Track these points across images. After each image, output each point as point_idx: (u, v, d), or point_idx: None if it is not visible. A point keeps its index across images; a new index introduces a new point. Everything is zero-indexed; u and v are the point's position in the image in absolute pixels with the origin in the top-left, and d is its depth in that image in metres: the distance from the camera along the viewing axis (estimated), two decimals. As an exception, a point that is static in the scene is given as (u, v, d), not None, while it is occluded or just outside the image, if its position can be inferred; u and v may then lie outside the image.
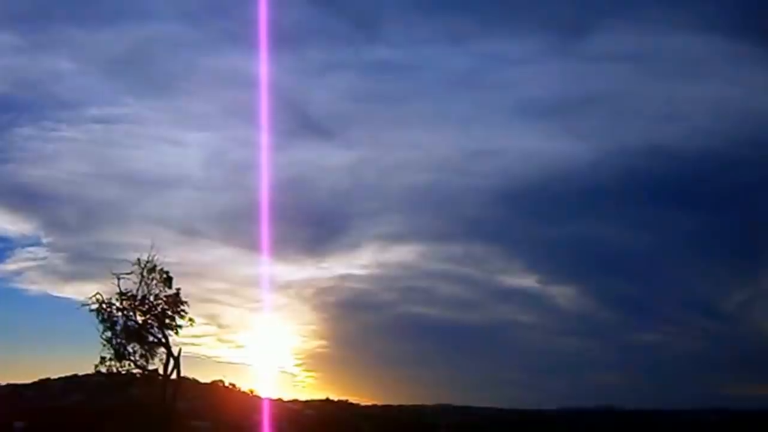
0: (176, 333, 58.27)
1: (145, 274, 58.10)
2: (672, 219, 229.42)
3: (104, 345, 57.43)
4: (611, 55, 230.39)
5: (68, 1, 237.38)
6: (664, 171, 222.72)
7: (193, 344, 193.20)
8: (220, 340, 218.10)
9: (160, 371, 58.30)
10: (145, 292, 58.18)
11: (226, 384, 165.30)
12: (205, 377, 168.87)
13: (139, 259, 57.42)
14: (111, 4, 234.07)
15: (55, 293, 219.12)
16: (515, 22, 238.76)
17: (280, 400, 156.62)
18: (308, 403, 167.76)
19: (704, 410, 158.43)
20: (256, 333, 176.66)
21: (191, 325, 59.24)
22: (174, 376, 58.87)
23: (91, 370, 59.31)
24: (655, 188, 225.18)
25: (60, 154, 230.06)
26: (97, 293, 57.06)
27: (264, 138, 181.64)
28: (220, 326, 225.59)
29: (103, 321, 57.50)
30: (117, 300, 57.60)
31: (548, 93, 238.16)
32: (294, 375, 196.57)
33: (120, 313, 57.71)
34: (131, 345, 58.02)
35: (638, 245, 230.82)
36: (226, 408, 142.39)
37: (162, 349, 58.15)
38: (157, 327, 58.15)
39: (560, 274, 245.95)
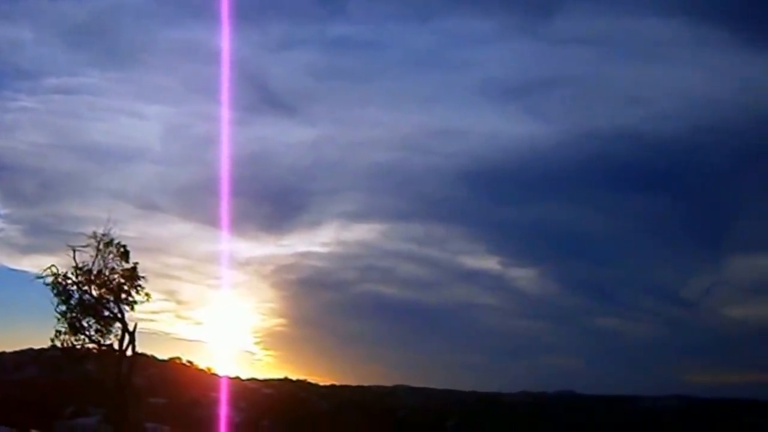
0: (132, 308, 57.37)
1: (101, 247, 57.08)
2: (635, 203, 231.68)
3: (59, 319, 56.40)
4: (577, 38, 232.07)
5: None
6: (629, 155, 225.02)
7: (151, 320, 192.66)
8: (178, 316, 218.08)
9: (116, 346, 57.22)
10: (102, 266, 57.17)
11: (184, 361, 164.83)
12: (162, 354, 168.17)
13: (95, 232, 56.38)
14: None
15: (12, 266, 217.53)
16: (481, 0, 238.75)
17: (238, 378, 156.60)
18: (266, 382, 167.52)
19: (664, 396, 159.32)
20: (215, 310, 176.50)
21: (147, 300, 58.35)
22: (129, 351, 57.67)
23: (46, 344, 58.55)
24: (620, 172, 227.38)
25: (18, 125, 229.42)
26: (52, 266, 56.05)
27: (225, 113, 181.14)
28: (178, 302, 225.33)
29: (58, 294, 56.48)
30: (73, 273, 56.55)
31: (513, 74, 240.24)
32: (252, 353, 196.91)
33: (75, 287, 56.64)
34: (86, 319, 57.00)
35: (601, 229, 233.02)
36: (183, 385, 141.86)
37: (118, 324, 57.16)
38: (112, 301, 57.15)
39: (522, 257, 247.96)
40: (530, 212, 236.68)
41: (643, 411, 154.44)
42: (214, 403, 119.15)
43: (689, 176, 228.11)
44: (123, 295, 57.19)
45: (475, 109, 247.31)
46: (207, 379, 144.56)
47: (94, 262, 56.48)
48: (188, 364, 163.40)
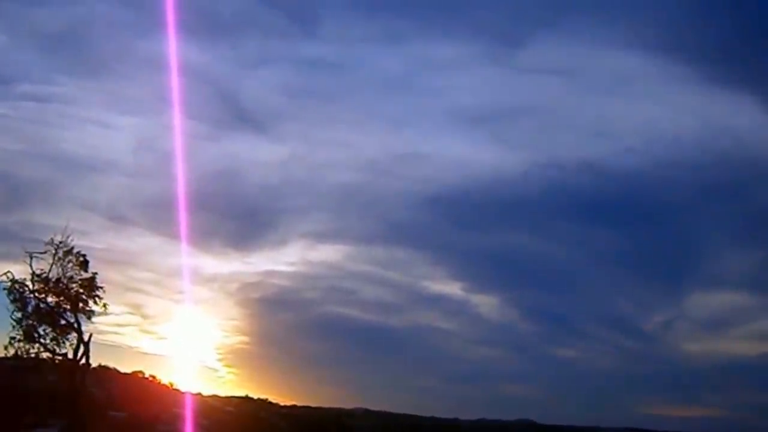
0: (89, 318, 56.77)
1: (60, 255, 56.49)
2: (597, 235, 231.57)
3: (14, 326, 55.66)
4: (544, 68, 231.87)
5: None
6: (592, 186, 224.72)
7: (116, 333, 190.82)
8: (142, 330, 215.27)
9: (71, 356, 56.48)
10: (60, 274, 56.56)
11: (146, 375, 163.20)
12: (125, 367, 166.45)
13: (52, 239, 55.78)
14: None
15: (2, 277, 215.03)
16: (451, 27, 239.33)
17: (199, 394, 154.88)
18: (228, 400, 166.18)
19: (620, 428, 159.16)
20: (179, 325, 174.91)
21: (105, 310, 57.79)
22: (84, 361, 56.94)
23: (7, 353, 57.55)
24: (582, 203, 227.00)
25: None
26: (8, 271, 55.40)
27: (202, 128, 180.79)
28: (143, 316, 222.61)
29: (14, 301, 55.77)
30: (30, 280, 55.87)
31: (480, 101, 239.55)
32: (215, 370, 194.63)
33: (32, 295, 55.92)
34: (42, 327, 56.29)
35: (563, 259, 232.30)
36: (144, 399, 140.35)
37: (74, 334, 56.47)
38: (69, 311, 56.45)
39: (485, 283, 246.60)
40: (494, 239, 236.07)
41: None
42: (176, 418, 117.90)
43: (651, 209, 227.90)
44: (80, 305, 56.51)
45: (441, 135, 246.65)
46: (169, 394, 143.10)
47: (50, 270, 55.87)
48: (150, 378, 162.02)
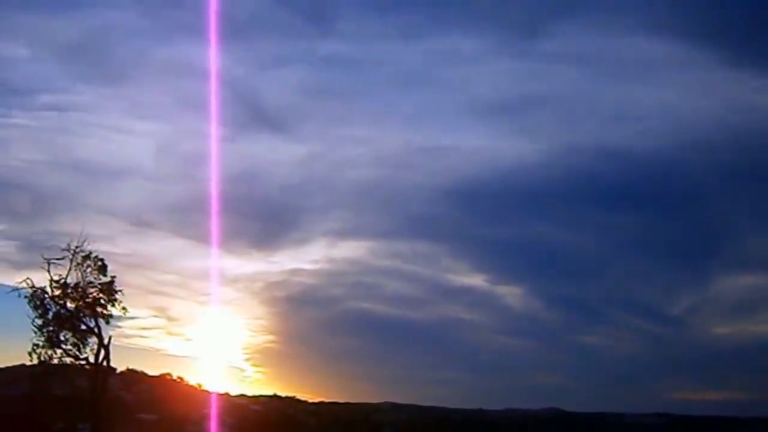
0: (107, 322, 56.52)
1: (79, 261, 56.30)
2: (621, 221, 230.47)
3: (36, 332, 55.47)
4: (563, 57, 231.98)
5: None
6: (614, 173, 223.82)
7: (142, 336, 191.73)
8: (168, 332, 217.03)
9: (92, 360, 56.30)
10: (79, 279, 56.37)
11: (174, 377, 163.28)
12: (153, 370, 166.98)
13: (69, 245, 55.57)
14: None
15: (7, 282, 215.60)
16: (468, 20, 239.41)
17: (227, 394, 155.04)
18: (256, 399, 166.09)
19: (647, 414, 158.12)
20: (205, 326, 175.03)
21: (124, 313, 57.55)
22: (105, 365, 56.74)
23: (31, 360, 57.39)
24: (605, 190, 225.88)
25: (12, 141, 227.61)
26: (27, 278, 55.24)
27: (215, 130, 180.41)
28: (169, 319, 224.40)
29: (35, 308, 55.59)
30: (50, 287, 55.71)
31: (498, 92, 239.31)
32: (242, 370, 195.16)
33: (52, 301, 55.74)
34: (63, 333, 56.10)
35: (587, 246, 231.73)
36: (173, 401, 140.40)
37: (94, 338, 56.30)
38: (88, 315, 56.28)
39: (509, 274, 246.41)
40: (516, 229, 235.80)
41: (627, 427, 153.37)
42: (204, 419, 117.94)
43: (675, 194, 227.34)
44: (99, 309, 56.30)
45: (461, 127, 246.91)
46: (197, 396, 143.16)
47: (67, 275, 55.67)
48: (178, 380, 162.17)
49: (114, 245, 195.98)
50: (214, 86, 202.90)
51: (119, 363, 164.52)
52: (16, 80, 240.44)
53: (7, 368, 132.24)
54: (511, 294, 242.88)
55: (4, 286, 56.44)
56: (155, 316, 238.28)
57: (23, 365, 57.34)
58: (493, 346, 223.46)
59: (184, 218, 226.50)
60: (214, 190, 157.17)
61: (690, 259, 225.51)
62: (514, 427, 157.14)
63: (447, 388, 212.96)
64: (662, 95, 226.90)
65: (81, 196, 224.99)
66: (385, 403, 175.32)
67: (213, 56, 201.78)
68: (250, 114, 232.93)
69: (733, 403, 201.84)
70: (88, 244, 56.52)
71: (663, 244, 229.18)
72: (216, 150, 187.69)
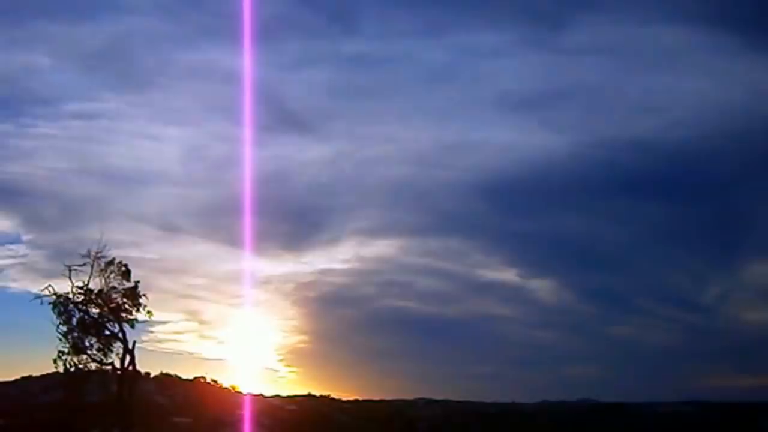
0: (132, 326, 56.31)
1: (102, 266, 56.13)
2: (650, 211, 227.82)
3: (61, 339, 55.29)
4: (588, 48, 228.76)
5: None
6: (642, 163, 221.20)
7: (175, 341, 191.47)
8: (201, 336, 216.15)
9: (117, 365, 56.06)
10: (102, 285, 56.18)
11: (208, 380, 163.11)
12: (187, 373, 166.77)
13: (89, 251, 55.35)
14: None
15: (37, 291, 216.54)
16: (492, 13, 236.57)
17: (261, 395, 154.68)
18: (290, 399, 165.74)
19: (681, 402, 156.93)
20: (238, 329, 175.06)
21: (149, 317, 57.34)
22: (131, 369, 56.50)
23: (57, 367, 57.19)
24: (633, 181, 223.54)
25: (38, 151, 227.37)
26: (49, 285, 55.09)
27: (245, 132, 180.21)
28: (201, 322, 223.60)
29: (59, 315, 55.38)
30: (73, 293, 55.51)
31: (525, 86, 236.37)
32: (275, 371, 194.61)
33: (76, 307, 55.52)
34: (88, 339, 55.88)
35: (616, 238, 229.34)
36: (207, 404, 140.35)
37: (119, 343, 56.05)
38: (112, 320, 56.05)
39: (540, 268, 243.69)
40: (546, 223, 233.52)
41: (662, 416, 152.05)
42: (239, 421, 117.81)
43: (703, 182, 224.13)
44: (123, 314, 56.07)
45: (489, 123, 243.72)
46: (231, 398, 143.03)
47: (88, 281, 55.53)
48: (212, 383, 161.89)
49: (144, 251, 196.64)
50: (242, 89, 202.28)
51: (153, 367, 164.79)
52: (41, 90, 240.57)
53: (42, 376, 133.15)
54: (543, 287, 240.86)
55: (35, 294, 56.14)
56: (187, 320, 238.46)
57: (57, 373, 56.92)
58: (526, 340, 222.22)
59: (213, 222, 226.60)
60: (243, 192, 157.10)
61: (719, 246, 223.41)
62: (548, 419, 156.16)
63: (481, 383, 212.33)
64: (688, 83, 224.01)
65: (109, 203, 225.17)
66: (420, 399, 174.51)
67: (243, 59, 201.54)
68: (277, 115, 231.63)
69: (765, 387, 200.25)
70: (110, 250, 56.46)
71: (692, 233, 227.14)
72: (244, 152, 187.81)
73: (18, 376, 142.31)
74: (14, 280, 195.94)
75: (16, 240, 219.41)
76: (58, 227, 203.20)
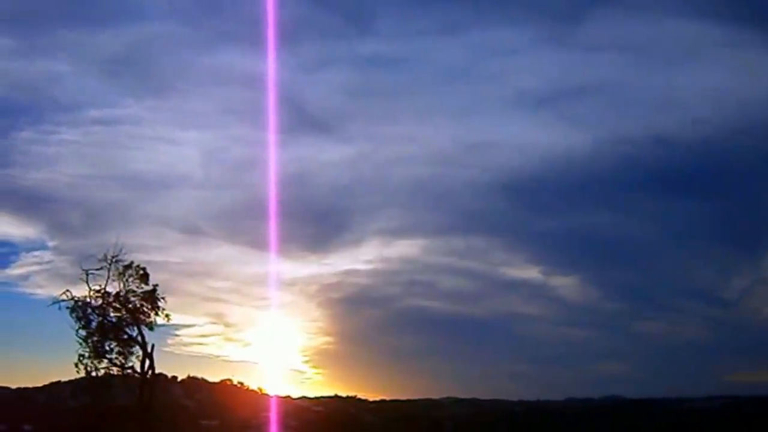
0: (151, 329, 55.54)
1: (120, 270, 55.44)
2: (672, 207, 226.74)
3: (81, 343, 54.57)
4: (607, 44, 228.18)
5: (64, 2, 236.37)
6: (663, 159, 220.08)
7: (200, 344, 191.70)
8: (227, 338, 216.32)
9: (137, 368, 55.33)
10: (121, 288, 55.49)
11: (235, 382, 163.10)
12: (213, 376, 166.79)
13: (105, 255, 54.62)
14: (107, 5, 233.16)
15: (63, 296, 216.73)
16: (509, 11, 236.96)
17: (288, 397, 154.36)
18: (317, 400, 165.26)
19: (709, 397, 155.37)
20: (263, 331, 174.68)
21: (168, 320, 56.50)
22: (151, 373, 55.76)
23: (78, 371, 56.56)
24: (655, 176, 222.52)
25: (61, 157, 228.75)
26: (66, 290, 54.37)
27: (265, 135, 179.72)
28: (226, 325, 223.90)
29: (78, 319, 54.70)
30: (91, 298, 54.82)
31: (544, 83, 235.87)
32: (302, 372, 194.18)
33: (95, 311, 54.84)
34: (108, 343, 55.18)
35: (639, 234, 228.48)
36: (234, 406, 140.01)
37: (137, 347, 55.33)
38: (131, 324, 55.36)
39: (563, 265, 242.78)
40: (569, 220, 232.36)
41: (690, 412, 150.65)
42: (266, 423, 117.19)
43: (725, 177, 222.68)
44: (141, 317, 55.37)
45: (508, 120, 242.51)
46: (258, 400, 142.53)
47: (106, 285, 54.81)
48: (239, 385, 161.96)
49: (168, 255, 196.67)
50: (261, 92, 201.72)
51: (179, 371, 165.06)
52: (63, 97, 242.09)
53: (70, 381, 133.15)
54: (567, 285, 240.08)
55: (62, 300, 55.42)
56: (213, 323, 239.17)
57: (85, 377, 56.20)
58: (551, 338, 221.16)
59: (235, 224, 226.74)
60: (265, 195, 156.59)
61: (743, 241, 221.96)
62: (575, 416, 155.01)
63: (507, 381, 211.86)
64: (708, 79, 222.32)
65: (132, 208, 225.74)
66: (446, 398, 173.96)
67: (262, 62, 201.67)
68: (297, 117, 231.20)
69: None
70: (131, 254, 55.82)
71: (715, 228, 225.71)
72: (265, 155, 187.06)
73: (46, 382, 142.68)
74: (40, 286, 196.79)
75: (42, 246, 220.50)
76: (83, 233, 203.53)
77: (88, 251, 54.74)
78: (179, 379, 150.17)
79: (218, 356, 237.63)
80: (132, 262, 56.08)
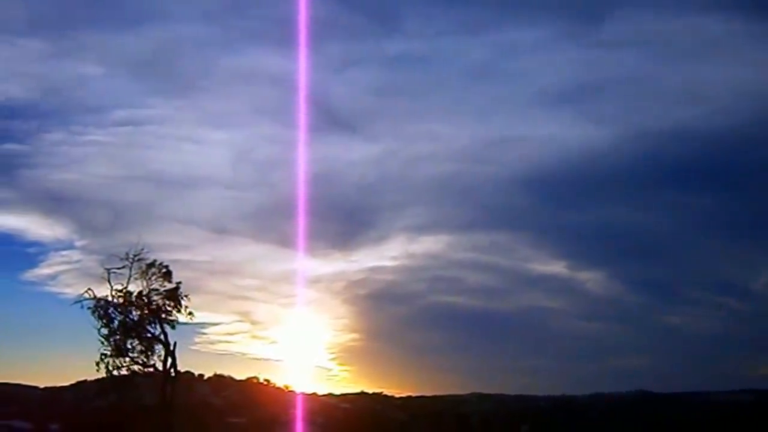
0: (173, 327, 54.98)
1: (143, 268, 54.95)
2: (696, 200, 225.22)
3: (103, 342, 54.04)
4: (627, 40, 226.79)
5: (91, 5, 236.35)
6: (686, 153, 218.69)
7: (227, 342, 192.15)
8: (253, 336, 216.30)
9: (160, 367, 54.78)
10: (144, 287, 54.98)
11: (261, 380, 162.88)
12: (240, 374, 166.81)
13: (127, 254, 54.13)
14: (133, 6, 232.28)
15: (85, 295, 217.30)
16: (530, 10, 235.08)
17: (314, 394, 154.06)
18: (343, 397, 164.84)
19: (735, 391, 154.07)
20: (289, 328, 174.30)
21: (190, 318, 55.92)
22: (173, 371, 55.20)
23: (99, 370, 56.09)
24: (678, 170, 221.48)
25: (89, 158, 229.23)
26: (89, 289, 53.86)
27: (292, 134, 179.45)
28: (253, 323, 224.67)
29: (100, 318, 54.17)
30: (113, 296, 54.34)
31: (566, 80, 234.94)
32: (328, 369, 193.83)
33: (117, 310, 54.32)
34: (130, 341, 54.65)
35: (664, 228, 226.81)
36: (261, 404, 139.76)
37: (160, 345, 54.80)
38: (155, 322, 54.83)
39: (588, 259, 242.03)
40: (593, 215, 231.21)
41: (717, 406, 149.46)
42: (293, 420, 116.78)
43: (747, 170, 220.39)
44: (164, 315, 54.82)
45: (531, 117, 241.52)
46: (285, 397, 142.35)
47: (127, 283, 54.31)
48: (266, 382, 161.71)
49: (195, 253, 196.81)
50: (288, 91, 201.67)
51: (206, 369, 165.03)
52: (90, 98, 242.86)
53: (97, 380, 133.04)
54: (592, 279, 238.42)
55: (90, 300, 54.90)
56: (239, 321, 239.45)
57: (111, 376, 55.63)
58: (577, 332, 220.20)
59: (262, 223, 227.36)
60: (292, 193, 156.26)
61: (767, 233, 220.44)
62: (601, 411, 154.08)
63: (533, 376, 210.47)
64: (729, 72, 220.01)
65: (160, 208, 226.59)
66: (472, 394, 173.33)
67: (288, 62, 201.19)
68: (323, 116, 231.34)
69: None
70: (157, 253, 55.37)
71: (740, 221, 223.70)
72: (291, 154, 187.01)
73: (74, 381, 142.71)
74: (68, 286, 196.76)
75: (70, 246, 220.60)
76: (111, 232, 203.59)
77: (115, 251, 54.11)
78: (206, 377, 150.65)
79: (245, 354, 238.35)
80: (155, 261, 55.69)
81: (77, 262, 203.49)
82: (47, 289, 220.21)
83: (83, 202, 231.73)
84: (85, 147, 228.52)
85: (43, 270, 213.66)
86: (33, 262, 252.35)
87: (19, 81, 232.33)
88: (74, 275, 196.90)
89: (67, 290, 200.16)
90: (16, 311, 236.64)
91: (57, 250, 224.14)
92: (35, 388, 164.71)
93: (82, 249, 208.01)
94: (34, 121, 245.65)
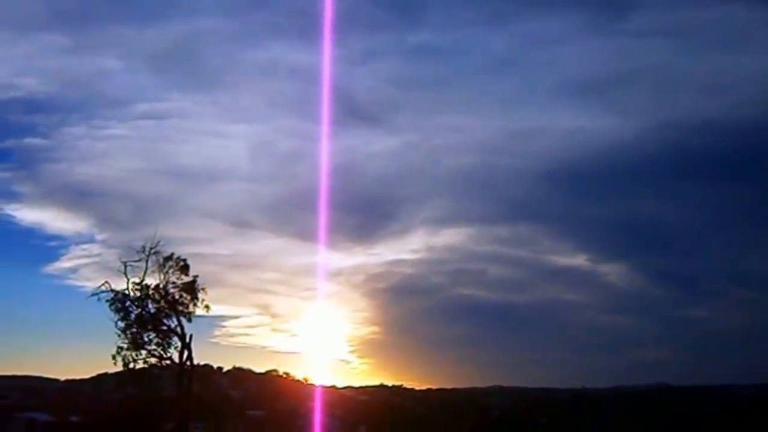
0: (189, 320, 54.59)
1: (160, 262, 54.64)
2: (721, 192, 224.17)
3: (119, 335, 53.72)
4: (652, 31, 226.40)
5: (113, 0, 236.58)
6: (711, 145, 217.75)
7: (247, 335, 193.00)
8: (273, 329, 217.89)
9: (176, 359, 54.42)
10: (161, 280, 54.64)
11: (281, 373, 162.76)
12: (259, 367, 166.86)
13: (144, 247, 53.77)
14: (155, 1, 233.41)
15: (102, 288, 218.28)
16: (554, 0, 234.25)
17: (334, 387, 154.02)
18: (362, 390, 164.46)
19: (755, 385, 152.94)
20: (309, 321, 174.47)
21: (207, 311, 55.57)
22: (189, 363, 54.87)
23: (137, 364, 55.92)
24: (702, 162, 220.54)
25: (111, 152, 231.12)
26: (106, 282, 53.55)
27: (314, 127, 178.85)
28: (273, 316, 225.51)
29: (117, 311, 53.81)
30: (131, 290, 54.01)
31: (589, 71, 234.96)
32: (348, 362, 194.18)
33: (134, 303, 53.96)
34: (146, 334, 54.31)
35: (687, 220, 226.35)
36: (281, 396, 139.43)
37: (176, 338, 54.45)
38: (171, 315, 54.47)
39: (610, 252, 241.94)
40: (615, 207, 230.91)
41: (737, 399, 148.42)
42: (312, 412, 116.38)
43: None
44: (180, 308, 54.42)
45: (554, 109, 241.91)
46: (304, 390, 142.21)
47: (144, 276, 54.04)
48: (285, 375, 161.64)
49: (216, 247, 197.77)
50: (309, 85, 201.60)
51: (226, 362, 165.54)
52: (112, 92, 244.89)
53: (117, 372, 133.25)
54: (614, 272, 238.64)
55: (111, 293, 54.63)
56: (259, 314, 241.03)
57: (130, 369, 55.33)
58: (598, 325, 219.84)
59: (282, 216, 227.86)
60: (313, 186, 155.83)
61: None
62: (622, 403, 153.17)
63: (554, 369, 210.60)
64: (754, 63, 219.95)
65: (181, 201, 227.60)
66: (493, 386, 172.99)
67: (309, 56, 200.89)
68: (345, 109, 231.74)
69: None
70: (165, 246, 54.92)
71: (762, 213, 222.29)
72: (312, 147, 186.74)
73: (94, 374, 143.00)
74: (88, 279, 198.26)
75: (90, 239, 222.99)
76: (131, 226, 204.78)
77: (137, 244, 53.95)
78: (225, 370, 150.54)
79: (264, 347, 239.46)
80: (172, 254, 55.73)
81: (97, 255, 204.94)
82: (68, 282, 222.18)
83: (104, 196, 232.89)
84: (106, 141, 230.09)
85: (64, 263, 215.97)
86: (54, 255, 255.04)
87: (41, 76, 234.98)
88: (94, 269, 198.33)
89: (88, 284, 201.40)
90: (37, 304, 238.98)
91: (78, 243, 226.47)
92: (56, 380, 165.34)
93: (103, 243, 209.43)
94: (55, 116, 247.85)
